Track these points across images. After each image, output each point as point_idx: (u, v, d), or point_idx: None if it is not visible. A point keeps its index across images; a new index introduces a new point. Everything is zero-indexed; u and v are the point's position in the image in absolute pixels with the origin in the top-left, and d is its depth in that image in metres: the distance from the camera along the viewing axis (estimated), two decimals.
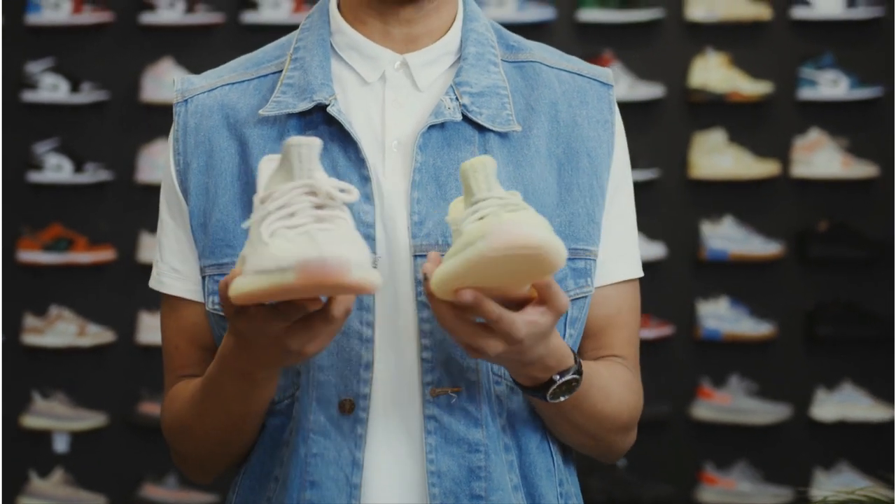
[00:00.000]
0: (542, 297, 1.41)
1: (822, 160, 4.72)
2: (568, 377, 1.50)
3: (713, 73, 4.74)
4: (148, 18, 4.79)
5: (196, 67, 4.68)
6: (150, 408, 4.76)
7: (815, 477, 4.68)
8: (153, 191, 4.75)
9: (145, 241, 4.77)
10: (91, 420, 4.81)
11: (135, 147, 4.79)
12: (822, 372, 4.76)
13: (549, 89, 1.64)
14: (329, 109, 1.57)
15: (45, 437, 4.83)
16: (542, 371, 1.48)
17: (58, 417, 4.79)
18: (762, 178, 4.76)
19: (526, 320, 1.40)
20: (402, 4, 1.60)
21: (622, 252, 1.65)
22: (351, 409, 1.55)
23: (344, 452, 1.55)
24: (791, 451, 4.79)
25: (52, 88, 4.78)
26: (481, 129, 1.59)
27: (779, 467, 4.75)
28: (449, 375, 1.55)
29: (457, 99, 1.58)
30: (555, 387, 1.49)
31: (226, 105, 1.63)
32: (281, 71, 1.63)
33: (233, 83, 1.65)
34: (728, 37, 4.78)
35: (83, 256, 4.79)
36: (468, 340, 1.41)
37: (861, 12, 4.72)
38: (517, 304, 1.41)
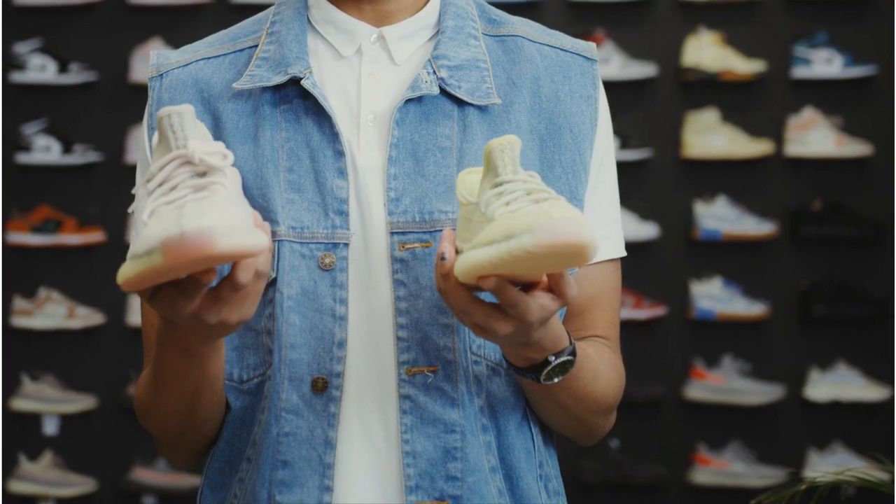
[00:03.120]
0: (553, 284, 1.38)
1: (815, 139, 4.69)
2: (563, 358, 1.47)
3: (706, 51, 4.71)
4: None
5: None
6: None
7: (809, 457, 4.67)
8: None
9: None
10: (81, 402, 4.79)
11: (123, 128, 4.76)
12: (815, 352, 4.75)
13: (530, 64, 1.61)
14: (303, 83, 1.56)
15: (34, 419, 4.81)
16: (537, 352, 1.46)
17: (47, 400, 4.77)
18: (756, 158, 4.74)
19: (539, 304, 1.38)
20: None
21: (605, 232, 1.62)
22: (324, 388, 1.53)
23: (317, 431, 1.53)
24: (785, 432, 4.78)
25: (39, 69, 4.75)
26: (460, 102, 1.57)
27: (772, 448, 4.74)
28: (425, 355, 1.53)
29: (434, 72, 1.56)
30: (549, 368, 1.47)
31: (200, 80, 1.61)
32: (257, 45, 1.62)
33: (208, 58, 1.63)
34: (721, 15, 4.76)
35: (72, 238, 4.77)
36: (481, 322, 1.39)
37: None
38: (525, 286, 1.39)
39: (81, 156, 4.76)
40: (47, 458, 4.74)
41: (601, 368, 1.58)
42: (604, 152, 1.63)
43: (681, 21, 4.77)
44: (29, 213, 4.77)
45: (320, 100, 1.55)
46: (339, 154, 1.54)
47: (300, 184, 1.55)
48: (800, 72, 4.71)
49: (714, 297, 4.74)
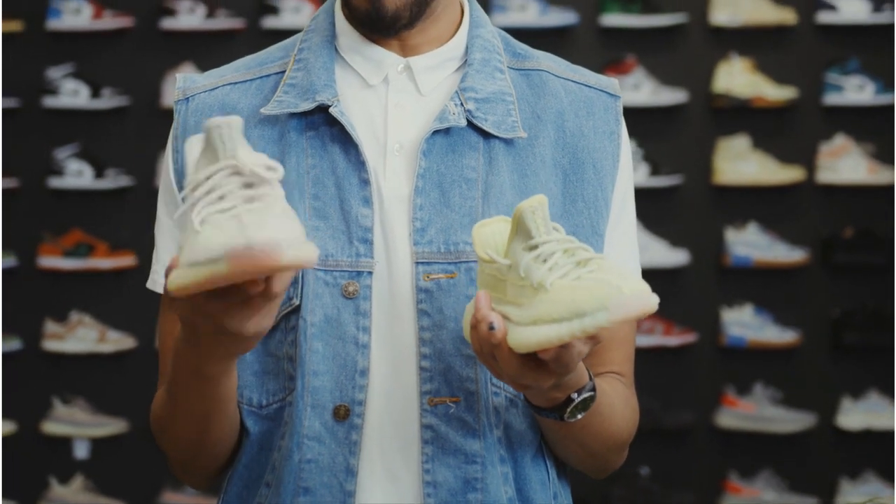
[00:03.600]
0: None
1: (847, 166, 4.68)
2: (585, 394, 1.47)
3: (737, 77, 4.71)
4: (168, 24, 4.78)
5: None
6: None
7: (841, 486, 4.65)
8: None
9: None
10: (111, 426, 4.80)
11: (155, 152, 4.78)
12: (847, 380, 4.73)
13: (555, 99, 1.62)
14: (331, 110, 1.56)
15: (65, 443, 4.82)
16: (560, 390, 1.46)
17: (78, 424, 4.78)
18: (787, 184, 4.72)
19: (578, 351, 1.38)
20: (383, 34, 1.58)
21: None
22: (346, 416, 1.53)
23: (338, 459, 1.53)
24: (816, 460, 4.75)
25: (72, 94, 4.78)
26: (486, 135, 1.57)
27: (804, 476, 4.72)
28: (447, 385, 1.53)
29: (462, 104, 1.57)
30: (572, 406, 1.47)
31: (227, 104, 1.62)
32: (284, 71, 1.62)
33: (234, 83, 1.64)
34: (752, 41, 4.75)
35: (104, 262, 4.79)
36: (529, 382, 1.39)
37: (887, 17, 4.69)
38: None
39: (113, 180, 4.78)
40: (78, 481, 4.74)
41: (617, 405, 1.58)
42: (625, 188, 1.63)
43: (712, 47, 4.77)
44: (61, 238, 4.79)
45: (348, 128, 1.55)
46: (365, 182, 1.55)
47: (325, 211, 1.55)
48: (831, 98, 4.70)
49: (745, 324, 4.72)
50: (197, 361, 1.43)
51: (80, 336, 4.79)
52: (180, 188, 1.60)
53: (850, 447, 4.72)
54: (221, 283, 1.29)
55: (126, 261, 4.80)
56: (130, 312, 4.83)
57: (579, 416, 1.48)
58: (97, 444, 4.84)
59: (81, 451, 4.84)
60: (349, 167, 1.55)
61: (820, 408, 4.72)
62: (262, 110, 1.59)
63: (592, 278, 1.33)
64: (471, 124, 1.56)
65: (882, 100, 4.68)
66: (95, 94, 4.78)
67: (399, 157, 1.56)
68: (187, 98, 1.64)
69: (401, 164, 1.56)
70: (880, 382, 4.71)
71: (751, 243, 4.72)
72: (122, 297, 4.84)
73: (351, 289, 1.53)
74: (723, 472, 4.72)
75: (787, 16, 4.71)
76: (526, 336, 1.36)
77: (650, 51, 4.77)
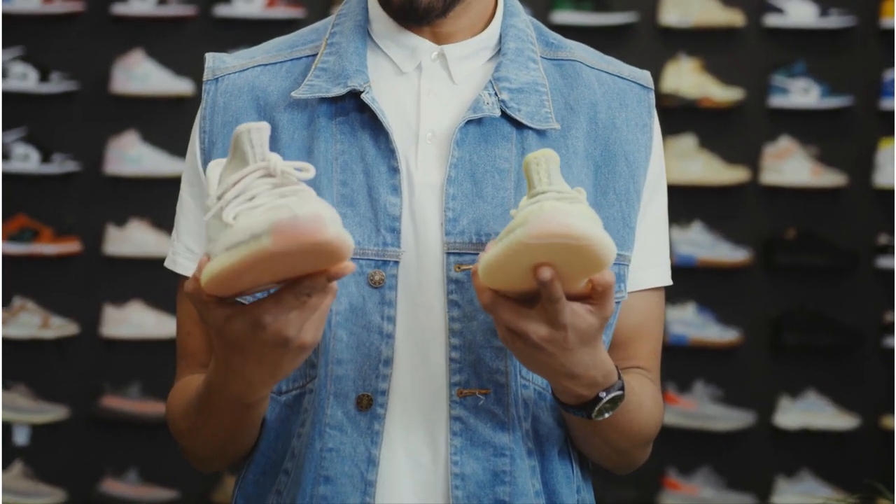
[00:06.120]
0: (593, 297, 1.38)
1: (791, 168, 4.72)
2: (614, 393, 1.46)
3: (685, 78, 4.74)
4: (119, 9, 4.74)
5: (168, 60, 4.67)
6: (113, 402, 4.72)
7: (778, 484, 4.69)
8: (121, 183, 4.77)
9: (111, 233, 4.73)
10: (52, 413, 4.76)
11: (103, 138, 4.75)
12: (786, 379, 4.77)
13: (588, 89, 1.61)
14: (363, 96, 1.54)
15: (5, 429, 4.78)
16: (588, 387, 1.45)
17: (18, 409, 4.74)
18: (731, 185, 4.76)
19: (572, 308, 1.36)
20: (416, 23, 1.57)
21: (653, 259, 1.62)
22: (368, 405, 1.52)
23: (360, 448, 1.52)
24: (754, 459, 4.79)
25: (20, 77, 4.74)
26: (519, 125, 1.56)
27: (742, 474, 4.76)
28: (477, 377, 1.52)
29: (496, 94, 1.55)
30: (601, 404, 1.46)
31: (256, 87, 1.60)
32: (315, 55, 1.60)
33: (265, 64, 1.62)
34: (701, 42, 4.78)
35: (48, 248, 4.75)
36: (511, 321, 1.38)
37: (834, 21, 4.73)
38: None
39: (60, 165, 4.75)
40: (17, 468, 4.70)
41: (645, 401, 1.57)
42: (656, 180, 1.62)
43: (661, 47, 4.80)
44: (5, 222, 4.75)
45: (378, 115, 1.54)
46: (394, 171, 1.53)
47: (353, 198, 1.53)
48: (777, 101, 4.74)
49: (687, 322, 4.75)
50: (238, 389, 1.41)
51: (23, 321, 4.75)
52: (205, 169, 1.56)
53: (788, 446, 4.77)
54: (264, 266, 1.25)
55: (71, 247, 4.76)
56: (74, 299, 4.80)
57: (606, 415, 1.47)
58: (37, 430, 4.80)
59: (21, 438, 4.79)
60: (378, 154, 1.54)
61: (759, 406, 4.76)
62: (292, 94, 1.57)
63: (537, 206, 1.32)
64: (504, 114, 1.55)
65: (827, 103, 4.73)
66: (44, 78, 4.74)
67: (431, 145, 1.55)
68: (217, 78, 1.62)
69: (432, 153, 1.55)
70: (818, 383, 4.75)
71: (694, 242, 4.75)
72: (66, 284, 4.81)
73: (377, 278, 1.52)
74: (662, 469, 4.75)
75: (735, 18, 4.75)
76: (480, 261, 1.35)
77: (600, 49, 4.73)
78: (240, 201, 1.29)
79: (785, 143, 4.73)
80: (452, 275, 1.51)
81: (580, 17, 4.75)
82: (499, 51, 1.60)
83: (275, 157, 1.31)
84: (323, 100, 1.56)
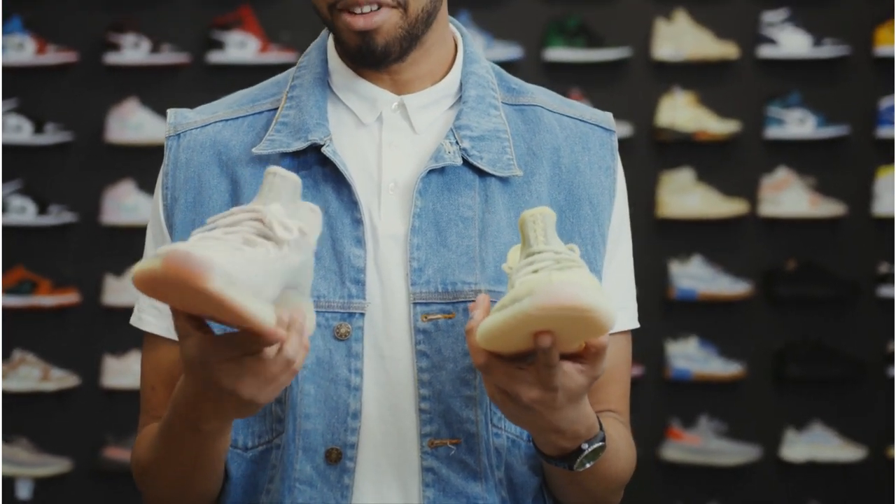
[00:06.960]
0: (585, 358, 1.37)
1: (789, 199, 4.72)
2: (595, 444, 1.46)
3: (680, 112, 4.74)
4: (113, 58, 4.75)
5: (161, 108, 4.67)
6: (115, 453, 4.70)
7: None
8: (118, 233, 4.76)
9: (110, 283, 4.72)
10: (55, 466, 4.74)
11: (99, 188, 4.75)
12: (791, 412, 4.75)
13: (550, 134, 1.61)
14: (324, 150, 1.54)
15: (7, 483, 4.76)
16: (571, 440, 1.44)
17: (20, 463, 4.72)
18: (730, 218, 4.76)
19: (563, 369, 1.36)
20: (374, 67, 1.56)
21: (621, 303, 1.61)
22: (338, 459, 1.52)
23: (330, 502, 1.51)
24: (761, 492, 4.77)
25: (15, 129, 4.74)
26: (482, 173, 1.56)
27: None
28: (448, 427, 1.52)
29: (457, 142, 1.55)
30: (583, 456, 1.46)
31: (218, 142, 1.60)
32: (276, 109, 1.60)
33: (227, 119, 1.62)
34: (695, 76, 4.79)
35: (47, 299, 4.74)
36: (503, 383, 1.37)
37: (827, 51, 4.74)
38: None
39: (57, 217, 4.74)
40: None
41: (621, 446, 1.57)
42: (620, 223, 1.62)
43: (655, 81, 4.80)
44: (4, 275, 4.74)
45: (340, 167, 1.54)
46: (358, 222, 1.53)
47: (317, 251, 1.51)
48: (773, 132, 4.74)
49: (690, 357, 4.74)
50: (196, 416, 1.40)
51: (23, 374, 4.74)
52: (169, 226, 1.59)
53: (794, 479, 4.75)
54: (160, 289, 1.25)
55: (69, 298, 4.76)
56: (74, 350, 4.78)
57: (588, 465, 1.47)
58: (40, 484, 4.78)
59: (24, 492, 4.77)
60: (341, 207, 1.53)
61: (764, 440, 4.75)
62: (253, 150, 1.57)
63: (543, 275, 1.33)
64: (466, 163, 1.55)
65: (823, 133, 4.73)
66: (38, 129, 4.75)
67: (394, 195, 1.55)
68: (178, 134, 1.62)
69: (396, 203, 1.55)
70: (823, 414, 4.73)
71: (695, 276, 4.74)
72: (66, 335, 4.80)
73: (343, 330, 1.51)
74: None
75: (729, 50, 4.75)
76: (480, 326, 1.35)
77: (594, 85, 4.80)
78: (221, 225, 1.31)
79: (782, 174, 4.73)
80: (419, 325, 1.51)
81: (573, 53, 4.76)
82: (459, 98, 1.60)
83: (275, 208, 1.33)
84: (284, 154, 1.56)
